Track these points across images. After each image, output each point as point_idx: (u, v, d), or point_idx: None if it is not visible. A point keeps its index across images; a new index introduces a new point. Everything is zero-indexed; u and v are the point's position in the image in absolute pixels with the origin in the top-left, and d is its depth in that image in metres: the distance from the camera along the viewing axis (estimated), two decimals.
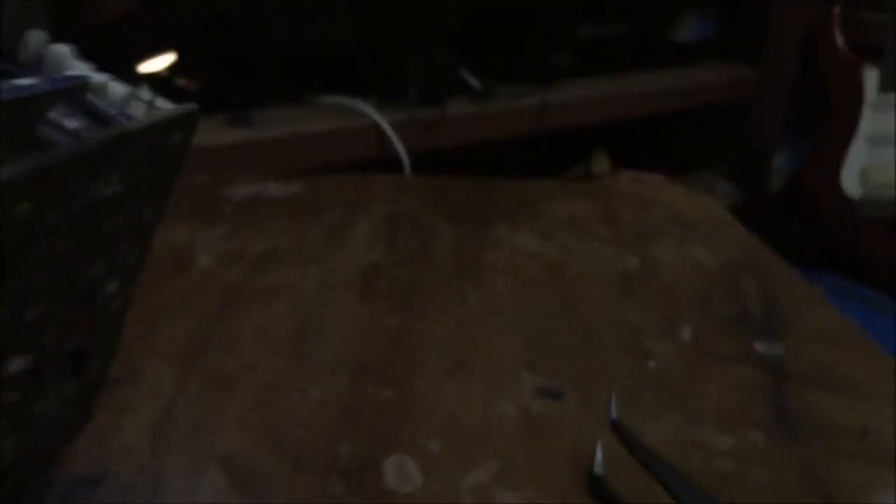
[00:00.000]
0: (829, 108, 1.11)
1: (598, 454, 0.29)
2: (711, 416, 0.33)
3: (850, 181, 1.10)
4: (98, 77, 0.21)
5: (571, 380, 0.34)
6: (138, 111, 0.21)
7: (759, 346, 0.38)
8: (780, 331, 0.40)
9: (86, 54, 0.22)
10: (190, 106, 0.20)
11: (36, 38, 0.21)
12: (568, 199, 0.55)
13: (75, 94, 0.19)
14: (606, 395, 0.32)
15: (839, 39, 1.08)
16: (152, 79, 0.79)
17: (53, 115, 0.19)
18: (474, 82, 0.97)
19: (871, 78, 1.08)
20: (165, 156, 0.19)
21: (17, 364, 0.17)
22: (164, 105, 0.22)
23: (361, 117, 0.89)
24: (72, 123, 0.19)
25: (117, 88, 0.21)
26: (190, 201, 0.50)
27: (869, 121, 1.08)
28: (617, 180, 0.61)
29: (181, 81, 0.81)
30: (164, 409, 0.30)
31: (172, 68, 0.82)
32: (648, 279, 0.45)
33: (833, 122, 1.11)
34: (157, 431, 0.29)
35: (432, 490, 0.27)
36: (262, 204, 0.51)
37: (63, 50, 0.21)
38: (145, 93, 0.21)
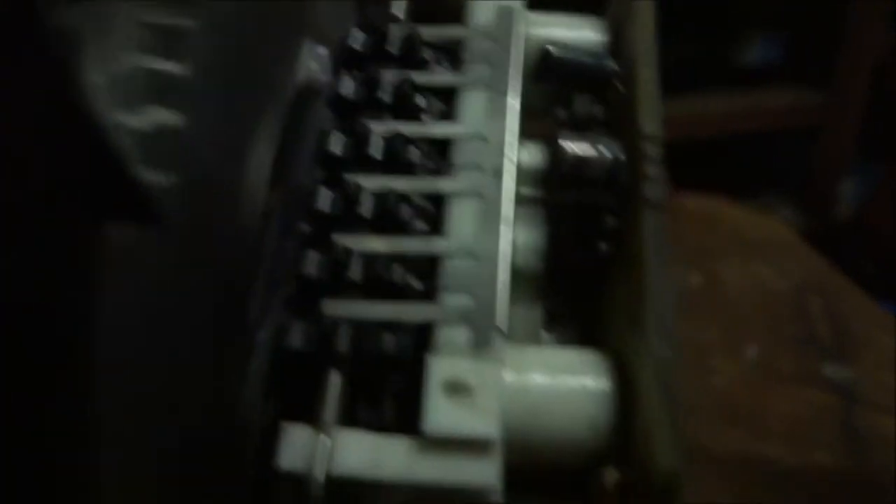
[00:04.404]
0: None
1: None
2: (778, 435, 0.32)
3: None
4: None
5: None
6: None
7: (828, 369, 0.37)
8: (850, 354, 0.39)
9: None
10: None
11: None
12: None
13: None
14: None
15: None
16: None
17: None
18: None
19: None
20: None
21: None
22: None
23: None
24: None
25: None
26: None
27: None
28: (679, 197, 0.61)
29: None
30: None
31: None
32: (712, 297, 0.44)
33: None
34: None
35: None
36: None
37: None
38: None
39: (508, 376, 0.13)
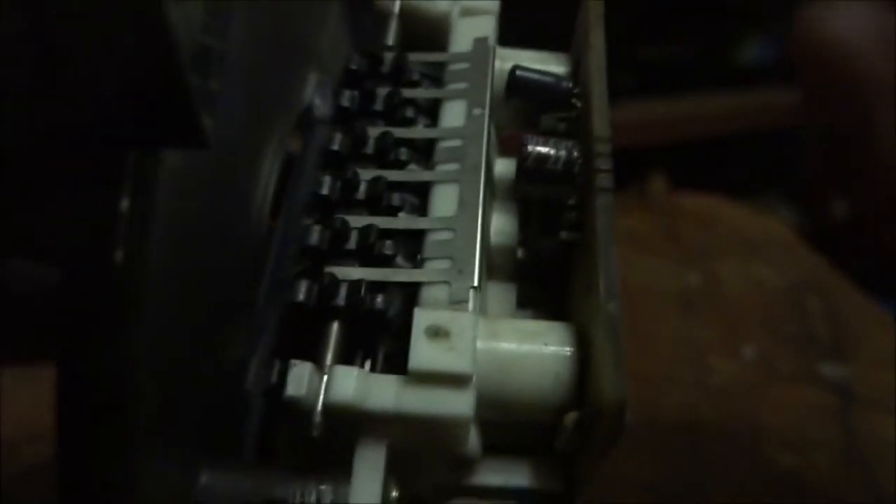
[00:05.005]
0: None
1: None
2: (775, 435, 0.32)
3: None
4: None
5: (631, 390, 0.34)
6: None
7: (826, 368, 0.37)
8: (848, 353, 0.39)
9: None
10: None
11: None
12: (627, 215, 0.55)
13: None
14: (667, 407, 0.31)
15: None
16: None
17: None
18: None
19: None
20: None
21: None
22: None
23: None
24: None
25: None
26: None
27: None
28: (678, 197, 0.61)
29: None
30: None
31: None
32: (710, 296, 0.44)
33: None
34: None
35: None
36: None
37: None
38: None
39: (481, 342, 0.15)
